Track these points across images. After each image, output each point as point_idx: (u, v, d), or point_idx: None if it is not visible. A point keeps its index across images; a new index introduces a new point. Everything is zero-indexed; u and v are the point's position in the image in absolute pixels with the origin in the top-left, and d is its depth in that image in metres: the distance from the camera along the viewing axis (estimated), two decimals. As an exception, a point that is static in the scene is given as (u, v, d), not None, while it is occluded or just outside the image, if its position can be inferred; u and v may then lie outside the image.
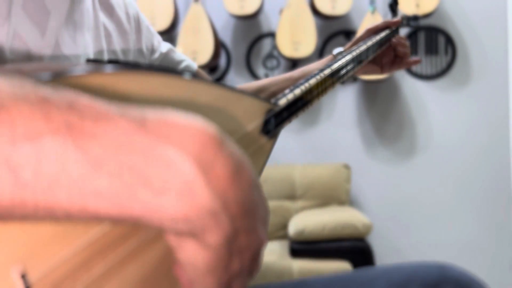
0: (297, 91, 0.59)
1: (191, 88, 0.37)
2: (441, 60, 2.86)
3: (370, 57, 0.89)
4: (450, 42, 2.84)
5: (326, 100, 2.91)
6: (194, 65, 0.84)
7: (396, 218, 2.79)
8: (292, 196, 2.58)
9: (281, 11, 2.82)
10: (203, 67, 2.85)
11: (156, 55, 0.77)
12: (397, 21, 0.98)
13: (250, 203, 0.31)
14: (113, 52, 0.66)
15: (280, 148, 2.94)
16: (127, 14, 0.71)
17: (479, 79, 2.80)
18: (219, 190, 0.29)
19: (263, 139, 0.50)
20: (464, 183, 2.75)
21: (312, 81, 0.64)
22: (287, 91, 0.58)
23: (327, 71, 0.69)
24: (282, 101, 0.55)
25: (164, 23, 2.86)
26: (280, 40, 2.77)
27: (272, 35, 2.98)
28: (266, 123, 0.50)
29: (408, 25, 1.17)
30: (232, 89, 0.44)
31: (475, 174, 2.74)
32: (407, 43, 0.98)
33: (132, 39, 0.71)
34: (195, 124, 0.30)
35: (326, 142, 2.88)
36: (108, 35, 0.66)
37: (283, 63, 2.98)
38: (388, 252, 2.77)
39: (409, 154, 2.82)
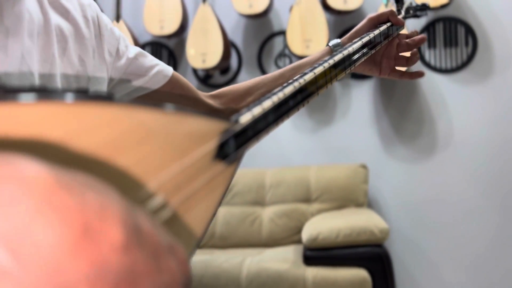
0: (267, 104, 0.50)
1: (99, 116, 0.30)
2: (461, 52, 2.72)
3: (365, 57, 0.80)
4: (470, 32, 2.70)
5: (341, 98, 2.81)
6: (169, 70, 0.77)
7: (417, 219, 2.67)
8: (307, 199, 2.49)
9: (291, 8, 2.74)
10: (213, 68, 2.80)
11: (123, 61, 0.70)
12: (400, 22, 0.89)
13: (120, 274, 0.19)
14: (67, 58, 0.59)
15: (294, 149, 2.88)
16: (85, 17, 0.64)
17: (502, 71, 2.65)
18: (47, 272, 0.17)
19: (220, 166, 0.41)
20: (488, 180, 2.61)
21: (288, 90, 0.54)
22: (253, 104, 0.49)
23: (308, 76, 0.60)
24: (246, 118, 0.46)
25: (173, 26, 2.83)
26: (291, 38, 2.68)
27: (283, 33, 2.90)
28: (222, 146, 0.42)
29: (415, 16, 1.08)
30: (174, 110, 0.37)
31: (500, 171, 2.60)
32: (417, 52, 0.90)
33: (92, 44, 0.64)
34: None
35: (342, 141, 2.78)
36: (63, 40, 0.59)
37: (295, 61, 2.89)
38: (409, 257, 2.65)
39: (429, 152, 2.69)
